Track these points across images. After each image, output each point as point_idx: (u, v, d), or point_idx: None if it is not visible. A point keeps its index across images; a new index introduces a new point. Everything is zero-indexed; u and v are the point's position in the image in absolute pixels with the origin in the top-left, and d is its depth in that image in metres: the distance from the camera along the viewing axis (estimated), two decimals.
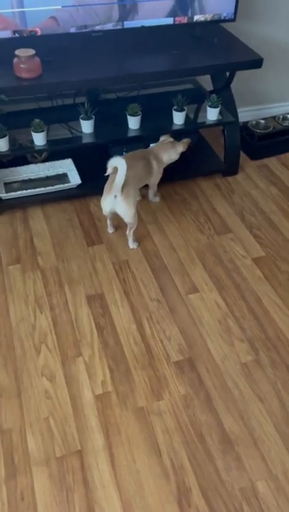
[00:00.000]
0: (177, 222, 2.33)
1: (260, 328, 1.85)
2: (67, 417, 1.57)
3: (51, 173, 2.48)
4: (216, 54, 2.28)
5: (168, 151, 2.23)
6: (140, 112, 2.27)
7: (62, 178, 2.46)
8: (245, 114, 2.94)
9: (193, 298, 1.96)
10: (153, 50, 2.29)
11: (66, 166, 2.48)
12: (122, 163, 1.86)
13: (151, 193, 2.37)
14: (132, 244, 2.16)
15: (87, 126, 2.25)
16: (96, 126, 2.29)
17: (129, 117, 2.28)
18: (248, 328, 1.85)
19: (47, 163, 2.48)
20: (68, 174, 2.46)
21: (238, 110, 2.54)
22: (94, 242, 2.20)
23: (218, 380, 1.68)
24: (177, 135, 2.39)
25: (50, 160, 2.49)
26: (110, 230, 2.23)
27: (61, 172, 2.48)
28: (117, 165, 1.86)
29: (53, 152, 2.46)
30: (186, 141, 2.26)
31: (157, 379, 1.68)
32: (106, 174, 1.93)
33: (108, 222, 2.21)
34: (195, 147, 2.57)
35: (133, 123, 2.29)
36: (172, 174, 2.54)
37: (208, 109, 2.37)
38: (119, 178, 1.88)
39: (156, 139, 2.32)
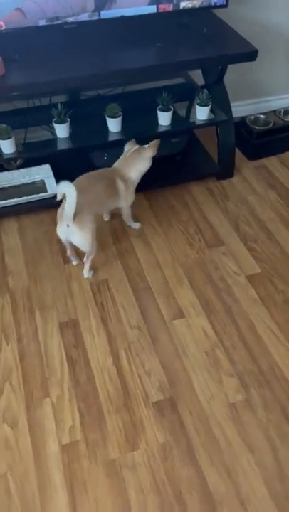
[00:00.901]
0: (164, 234, 2.11)
1: (252, 359, 1.64)
2: (28, 471, 1.38)
3: (27, 180, 2.27)
4: (206, 46, 2.03)
5: (135, 165, 1.93)
6: (121, 113, 2.04)
7: (39, 186, 2.24)
8: (243, 108, 2.69)
9: (178, 324, 1.75)
10: (134, 43, 2.05)
11: (43, 173, 2.27)
12: (70, 190, 1.61)
13: (125, 217, 2.09)
14: (86, 273, 1.91)
15: (61, 131, 2.03)
16: (74, 129, 2.07)
17: (108, 119, 2.05)
18: (239, 360, 1.64)
19: (22, 170, 2.26)
20: (46, 182, 2.25)
21: (235, 104, 2.30)
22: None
23: (203, 426, 1.47)
24: (164, 137, 2.17)
25: (26, 165, 2.28)
26: (74, 261, 1.96)
27: (38, 179, 2.27)
28: (66, 192, 1.62)
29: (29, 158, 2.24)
30: (153, 143, 1.92)
31: (133, 424, 1.48)
32: (57, 200, 1.68)
33: (69, 251, 1.95)
34: (186, 148, 2.34)
35: (113, 125, 2.06)
36: (160, 179, 2.32)
37: (198, 107, 2.13)
38: (69, 206, 1.65)
39: (141, 142, 2.09)
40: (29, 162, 2.26)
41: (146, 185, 2.29)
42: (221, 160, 2.34)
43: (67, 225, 1.70)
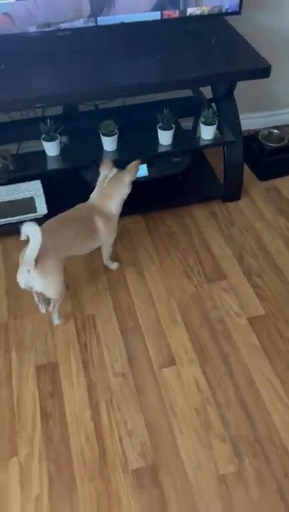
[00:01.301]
0: (160, 263, 1.93)
1: (248, 422, 1.45)
2: None
3: (16, 197, 2.09)
4: (214, 60, 1.82)
5: (114, 196, 1.70)
6: (116, 131, 1.85)
7: (28, 204, 2.07)
8: (254, 121, 2.49)
9: (167, 373, 1.57)
10: (135, 54, 1.85)
11: (34, 189, 2.08)
12: (35, 231, 1.39)
13: (104, 256, 1.85)
14: (55, 320, 1.70)
15: (51, 148, 1.85)
16: (66, 145, 1.90)
17: (102, 137, 1.86)
18: (233, 422, 1.45)
19: (11, 186, 2.09)
20: (35, 199, 2.07)
21: (246, 116, 2.10)
22: None
23: (186, 504, 1.29)
24: (164, 157, 1.98)
25: (17, 180, 2.10)
26: (42, 308, 1.72)
27: (28, 196, 2.08)
28: (29, 234, 1.39)
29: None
30: (132, 165, 1.69)
31: (108, 495, 1.31)
32: (21, 239, 1.42)
33: (36, 298, 1.72)
34: (190, 167, 2.14)
35: (108, 144, 1.87)
36: (160, 201, 2.13)
37: (203, 126, 1.93)
38: (30, 250, 1.42)
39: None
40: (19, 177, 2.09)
41: (145, 207, 2.12)
42: (227, 181, 2.13)
43: (28, 271, 1.48)
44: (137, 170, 1.73)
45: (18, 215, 1.99)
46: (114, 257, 1.92)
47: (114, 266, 1.91)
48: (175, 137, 1.93)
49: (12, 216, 1.99)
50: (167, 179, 2.09)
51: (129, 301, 1.79)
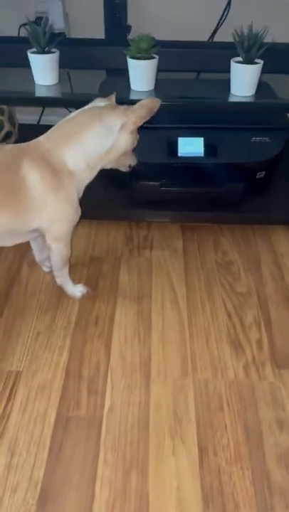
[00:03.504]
0: (189, 315, 1.00)
1: None
2: None
3: None
4: None
5: (77, 139, 0.89)
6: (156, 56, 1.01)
7: None
8: None
9: None
10: None
11: None
12: None
13: (54, 267, 1.01)
14: None
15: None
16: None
17: (131, 62, 1.03)
18: None
19: None
20: None
21: None
22: None
23: None
24: (238, 125, 1.10)
25: None
26: None
27: None
28: None
29: None
30: (144, 102, 0.90)
31: None
32: None
33: None
34: (282, 157, 1.23)
35: (139, 74, 1.03)
36: (217, 208, 1.24)
37: None
38: None
39: None
40: None
41: (187, 212, 1.24)
42: None
43: None
44: (150, 114, 0.89)
45: None
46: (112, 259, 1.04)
47: (75, 292, 1.04)
48: (259, 88, 1.05)
49: None
50: (238, 171, 1.19)
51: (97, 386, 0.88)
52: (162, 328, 0.97)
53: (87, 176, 0.92)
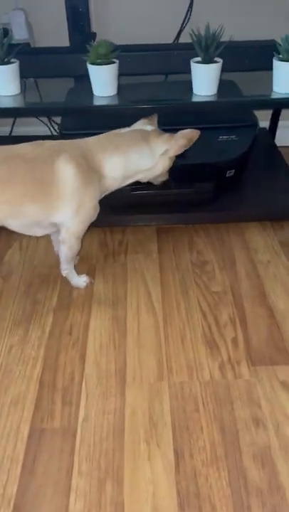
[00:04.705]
0: (164, 315, 1.00)
1: None
2: None
3: None
4: None
5: (123, 152, 0.98)
6: (116, 61, 1.01)
7: None
8: None
9: None
10: None
11: None
12: None
13: (63, 260, 1.05)
14: None
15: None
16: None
17: (91, 68, 1.02)
18: None
19: None
20: None
21: None
22: None
23: None
24: (203, 125, 1.09)
25: None
26: None
27: None
28: None
29: None
30: (186, 133, 0.99)
31: None
32: None
33: None
34: (250, 155, 1.23)
35: (100, 77, 1.03)
36: (190, 207, 1.23)
37: (278, 64, 1.02)
38: None
39: None
40: None
41: (162, 214, 1.24)
42: None
43: None
44: (189, 143, 1.00)
45: None
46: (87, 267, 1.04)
47: (79, 282, 1.08)
48: (223, 86, 1.05)
49: None
50: (207, 171, 1.19)
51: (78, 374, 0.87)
52: (138, 332, 0.96)
53: (117, 185, 1.02)
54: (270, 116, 1.49)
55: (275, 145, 1.45)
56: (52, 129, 1.60)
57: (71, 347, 0.94)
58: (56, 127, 1.57)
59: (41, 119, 1.57)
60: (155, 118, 1.04)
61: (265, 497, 0.69)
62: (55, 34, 1.40)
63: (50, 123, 1.58)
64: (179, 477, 0.71)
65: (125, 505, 0.68)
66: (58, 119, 1.48)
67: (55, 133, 1.58)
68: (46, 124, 1.59)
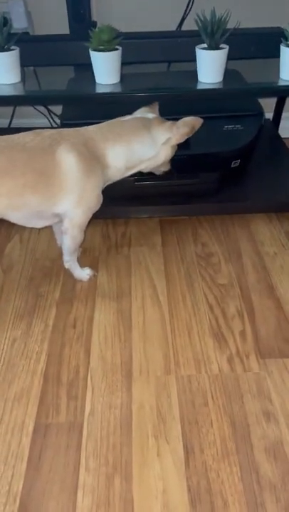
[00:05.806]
0: (169, 308, 0.97)
1: None
2: None
3: None
4: None
5: (125, 140, 0.95)
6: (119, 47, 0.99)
7: None
8: None
9: None
10: None
11: None
12: None
13: (65, 250, 1.03)
14: None
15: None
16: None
17: (93, 54, 1.00)
18: None
19: None
20: None
21: None
22: None
23: None
24: (207, 114, 1.06)
25: None
26: None
27: None
28: None
29: None
30: (189, 121, 0.96)
31: None
32: None
33: None
34: (255, 146, 1.21)
35: (103, 63, 1.00)
36: (194, 199, 1.21)
37: (285, 49, 1.00)
38: None
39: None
40: None
41: (166, 206, 1.21)
42: None
43: None
44: (192, 132, 0.97)
45: None
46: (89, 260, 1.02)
47: (82, 275, 1.05)
48: (228, 75, 1.03)
49: None
50: (212, 161, 1.17)
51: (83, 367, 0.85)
52: (143, 326, 0.94)
53: (120, 175, 0.98)
54: (273, 107, 1.47)
55: (280, 136, 1.43)
56: (51, 121, 1.57)
57: (75, 341, 0.92)
58: (56, 119, 1.55)
59: (41, 110, 1.54)
60: (156, 105, 1.02)
61: (279, 492, 0.67)
62: (55, 24, 1.37)
63: (50, 114, 1.56)
64: (190, 472, 0.69)
65: (134, 502, 0.66)
66: (58, 111, 1.46)
67: (54, 125, 1.56)
68: (46, 116, 1.56)
